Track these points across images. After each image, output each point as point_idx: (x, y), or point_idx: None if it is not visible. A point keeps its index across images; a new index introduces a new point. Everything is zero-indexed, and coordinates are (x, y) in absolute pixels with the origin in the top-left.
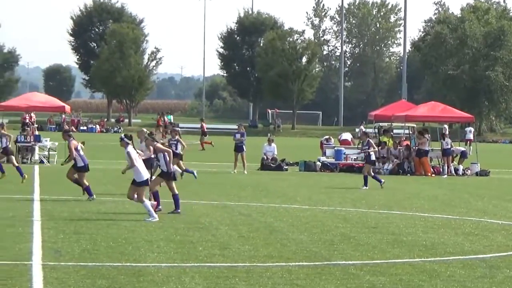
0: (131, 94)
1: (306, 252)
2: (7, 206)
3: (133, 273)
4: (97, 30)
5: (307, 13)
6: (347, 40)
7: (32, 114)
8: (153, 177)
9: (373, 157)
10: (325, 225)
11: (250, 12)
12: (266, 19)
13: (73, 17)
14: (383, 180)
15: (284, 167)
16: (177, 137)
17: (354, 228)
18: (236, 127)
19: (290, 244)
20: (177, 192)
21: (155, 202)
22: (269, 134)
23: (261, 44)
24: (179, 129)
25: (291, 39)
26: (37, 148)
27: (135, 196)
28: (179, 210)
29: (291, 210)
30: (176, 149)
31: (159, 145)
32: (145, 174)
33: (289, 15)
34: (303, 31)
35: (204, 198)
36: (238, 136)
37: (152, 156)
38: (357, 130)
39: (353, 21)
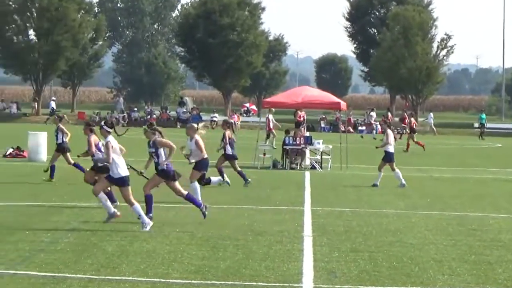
0: (418, 88)
1: None
2: (274, 219)
3: None
4: (377, 14)
5: None
6: None
7: (302, 112)
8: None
9: None
10: None
11: None
12: None
13: None
14: None
15: None
16: (226, 131)
17: None
18: None
19: None
20: (185, 193)
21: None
22: None
23: None
24: (232, 121)
25: None
26: (307, 152)
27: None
28: (150, 215)
29: None
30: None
31: (159, 139)
32: (123, 171)
33: None
34: None
35: (503, 210)
36: None
37: (205, 156)
38: None
39: None
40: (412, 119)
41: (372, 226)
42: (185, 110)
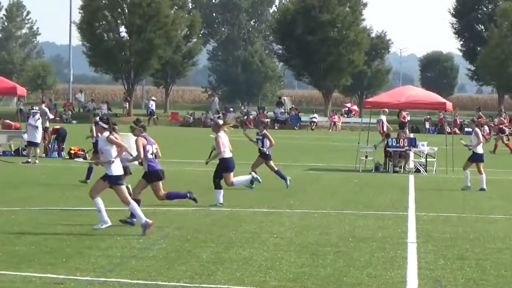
0: None
1: None
2: (377, 224)
3: None
4: (485, 9)
5: None
6: None
7: (405, 112)
8: None
9: None
10: None
11: None
12: None
13: None
14: None
15: None
16: (264, 131)
17: None
18: None
19: None
20: (162, 196)
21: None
22: None
23: None
24: (268, 120)
25: None
26: (412, 154)
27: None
28: (134, 220)
29: None
30: (263, 146)
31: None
32: (119, 169)
33: None
34: None
35: None
36: None
37: (225, 156)
38: None
39: None
40: (502, 119)
41: (479, 232)
42: (283, 110)
